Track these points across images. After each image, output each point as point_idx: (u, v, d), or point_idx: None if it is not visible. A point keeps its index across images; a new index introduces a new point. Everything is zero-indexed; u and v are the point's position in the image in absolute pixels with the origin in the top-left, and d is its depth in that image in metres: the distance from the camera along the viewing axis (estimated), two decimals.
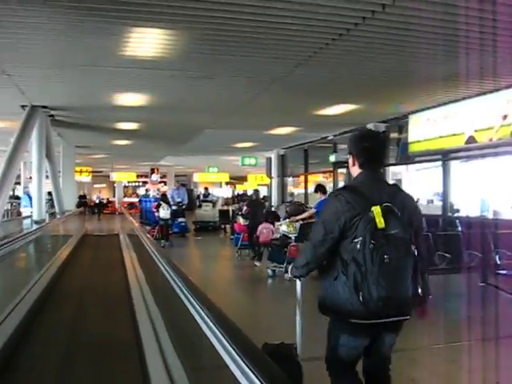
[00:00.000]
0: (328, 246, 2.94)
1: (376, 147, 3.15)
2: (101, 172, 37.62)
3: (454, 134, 11.28)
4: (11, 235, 11.50)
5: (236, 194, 50.07)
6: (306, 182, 20.94)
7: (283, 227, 10.87)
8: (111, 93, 10.57)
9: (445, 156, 12.46)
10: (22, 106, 11.69)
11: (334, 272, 2.93)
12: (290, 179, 23.82)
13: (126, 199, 42.67)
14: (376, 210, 2.80)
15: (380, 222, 2.79)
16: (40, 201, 12.63)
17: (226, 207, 23.74)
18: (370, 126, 14.67)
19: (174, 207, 17.50)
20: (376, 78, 9.48)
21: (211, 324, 2.47)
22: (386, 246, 2.78)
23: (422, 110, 12.38)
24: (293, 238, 10.26)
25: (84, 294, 7.99)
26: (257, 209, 13.21)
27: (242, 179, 49.48)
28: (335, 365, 3.12)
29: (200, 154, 25.87)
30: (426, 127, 12.29)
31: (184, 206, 19.20)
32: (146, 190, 41.94)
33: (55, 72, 8.88)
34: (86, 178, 32.52)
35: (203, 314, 2.69)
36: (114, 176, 37.59)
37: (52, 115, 13.16)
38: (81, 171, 31.25)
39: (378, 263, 2.76)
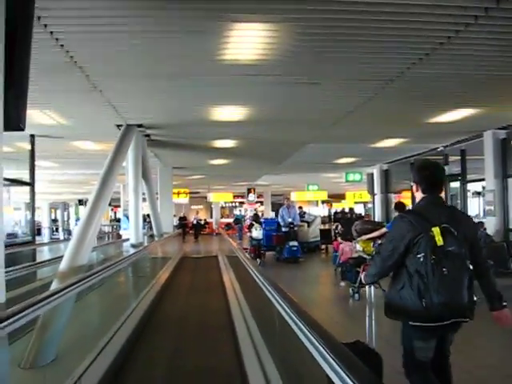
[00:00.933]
0: (394, 260, 3.53)
1: (435, 175, 3.72)
2: (198, 193, 37.48)
3: None
4: (111, 258, 11.20)
5: (334, 212, 48.91)
6: (412, 198, 19.43)
7: (358, 246, 10.51)
8: (207, 106, 9.84)
9: None
10: (118, 126, 11.25)
11: (400, 282, 3.50)
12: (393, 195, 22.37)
13: (223, 220, 42.40)
14: (436, 230, 3.37)
15: (439, 241, 3.35)
16: (137, 223, 12.11)
17: (326, 226, 22.82)
18: (489, 132, 13.20)
19: (284, 229, 17.58)
20: (502, 75, 8.16)
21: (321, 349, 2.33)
22: (445, 261, 3.33)
23: None
24: (368, 257, 9.33)
25: (184, 322, 7.42)
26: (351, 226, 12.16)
27: (340, 197, 48.20)
28: (413, 366, 3.57)
29: (298, 172, 24.93)
30: None
31: (296, 228, 17.71)
32: (240, 211, 41.74)
33: (147, 84, 8.25)
34: (183, 199, 32.40)
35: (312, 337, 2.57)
36: (211, 197, 37.30)
37: (148, 135, 12.70)
38: (178, 193, 31.20)
39: (438, 275, 3.32)
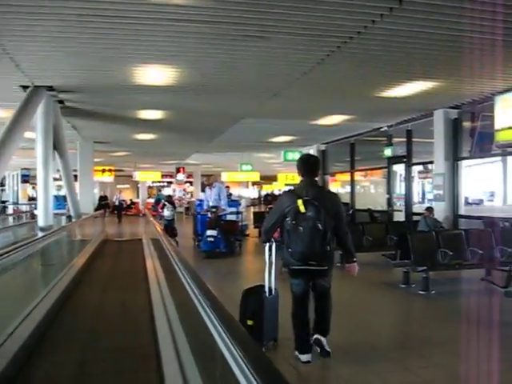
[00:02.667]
0: (274, 221, 5.25)
1: (310, 164, 5.30)
2: (122, 171, 35.25)
3: None
4: (20, 242, 9.58)
5: (265, 194, 48.04)
6: (352, 180, 18.50)
7: None
8: (129, 65, 8.22)
9: None
10: (24, 88, 9.50)
11: (284, 240, 5.16)
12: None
13: (151, 200, 40.50)
14: (299, 201, 4.92)
15: (301, 209, 4.90)
16: (46, 203, 10.40)
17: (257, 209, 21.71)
18: (440, 112, 12.27)
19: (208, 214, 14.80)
20: (453, 49, 7.30)
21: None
22: (302, 222, 4.89)
23: None
24: None
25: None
26: None
27: (271, 179, 47.34)
28: (293, 296, 5.23)
29: (231, 150, 23.55)
30: None
31: (221, 213, 14.85)
32: (159, 190, 39.74)
33: (53, 30, 6.58)
34: (108, 177, 30.31)
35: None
36: (138, 176, 35.24)
37: (61, 101, 10.98)
38: (103, 170, 29.20)
39: (296, 232, 4.93)
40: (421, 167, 17.28)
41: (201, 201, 19.68)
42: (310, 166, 5.26)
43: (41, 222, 10.27)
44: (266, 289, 5.52)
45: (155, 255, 10.62)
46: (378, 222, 14.91)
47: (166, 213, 16.97)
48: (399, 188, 16.34)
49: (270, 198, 35.62)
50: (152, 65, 8.24)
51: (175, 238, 15.92)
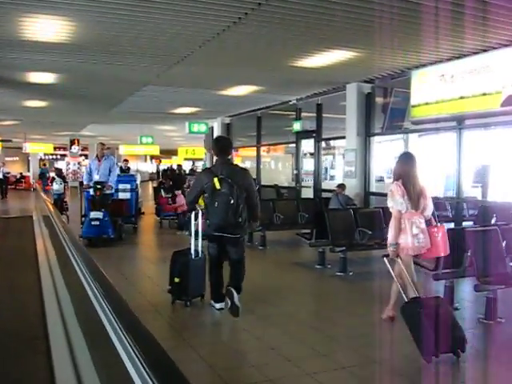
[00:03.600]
0: (195, 195, 6.15)
1: (223, 145, 6.27)
2: (10, 141, 32.60)
3: (485, 94, 8.61)
4: None
5: (163, 169, 46.73)
6: (258, 155, 17.93)
7: None
8: (14, 14, 6.95)
9: (460, 123, 9.78)
10: None
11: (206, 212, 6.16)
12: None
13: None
14: (215, 179, 5.72)
15: (217, 186, 5.71)
16: None
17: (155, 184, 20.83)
18: (352, 85, 11.90)
19: (90, 191, 11.44)
20: (367, 16, 6.84)
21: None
22: (218, 198, 5.72)
23: (433, 63, 9.66)
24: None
25: None
26: (180, 182, 15.62)
27: (171, 153, 46.14)
28: (209, 258, 6.24)
29: (130, 121, 22.16)
30: (439, 85, 9.55)
31: (109, 191, 11.40)
32: (44, 165, 37.34)
33: None
34: None
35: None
36: (28, 147, 32.75)
37: None
38: None
39: (213, 207, 5.77)
40: (323, 144, 16.96)
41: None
42: (222, 147, 6.23)
43: None
44: (192, 251, 6.44)
45: (46, 234, 9.61)
46: (288, 199, 14.44)
47: (55, 186, 16.65)
48: (304, 164, 15.94)
49: (168, 173, 34.61)
50: (42, 16, 7.06)
51: (66, 213, 15.41)
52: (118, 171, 13.36)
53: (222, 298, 6.14)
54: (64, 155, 39.51)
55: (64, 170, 29.12)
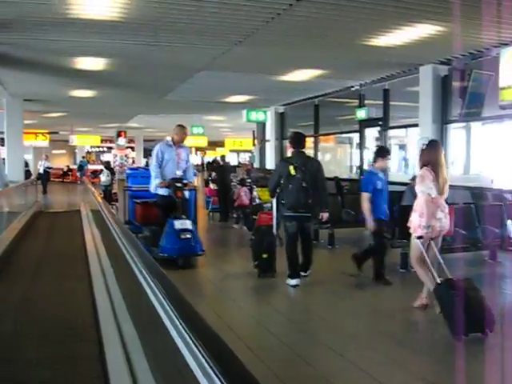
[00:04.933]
0: (275, 182, 7.08)
1: (299, 139, 7.24)
2: (57, 134, 32.25)
3: None
4: None
5: (207, 162, 45.99)
6: (315, 146, 16.88)
7: (255, 193, 12.39)
8: None
9: None
10: None
11: (281, 194, 7.07)
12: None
13: (90, 166, 37.85)
14: (291, 167, 6.73)
15: (292, 172, 6.71)
16: None
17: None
18: (427, 68, 10.75)
19: (162, 191, 8.24)
20: None
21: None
22: (292, 182, 6.71)
23: None
24: (267, 205, 10.15)
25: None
26: (225, 174, 14.35)
27: (217, 145, 45.35)
28: (288, 235, 7.01)
29: (178, 111, 21.41)
30: None
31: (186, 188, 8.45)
32: (83, 157, 36.82)
33: None
34: (42, 142, 27.38)
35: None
36: (74, 140, 32.33)
37: None
38: (36, 134, 26.43)
39: (288, 189, 6.76)
40: (376, 133, 15.77)
41: (134, 170, 13.41)
42: (298, 140, 7.25)
43: None
44: (274, 230, 8.08)
45: (96, 230, 8.86)
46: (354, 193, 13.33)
47: (103, 178, 17.70)
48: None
49: (215, 165, 33.86)
50: None
51: (116, 204, 14.96)
52: None
53: (298, 274, 6.93)
54: (110, 148, 39.24)
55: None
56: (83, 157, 37.35)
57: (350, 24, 7.84)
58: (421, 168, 5.80)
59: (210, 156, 51.78)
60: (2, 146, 17.66)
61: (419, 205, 5.69)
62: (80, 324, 4.62)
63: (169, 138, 9.12)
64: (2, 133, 16.03)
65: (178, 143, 8.53)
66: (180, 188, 8.11)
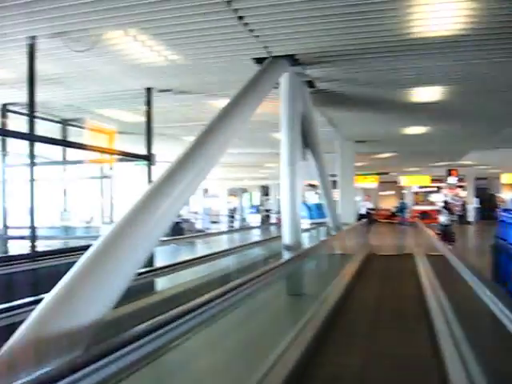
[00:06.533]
0: None
1: None
2: (386, 174, 31.98)
3: None
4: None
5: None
6: None
7: None
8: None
9: None
10: (257, 60, 7.22)
11: None
12: None
13: (417, 207, 36.81)
14: None
15: None
16: (293, 213, 7.83)
17: None
18: None
19: None
20: None
21: None
22: None
23: None
24: None
25: None
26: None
27: None
28: None
29: None
30: None
31: None
32: (401, 199, 35.21)
33: None
34: (371, 183, 27.79)
35: None
36: (403, 180, 31.59)
37: (310, 82, 8.57)
38: (365, 176, 26.77)
39: None
40: None
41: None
42: None
43: (286, 239, 7.80)
44: None
45: (436, 281, 7.73)
46: None
47: (442, 218, 17.38)
48: None
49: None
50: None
51: (453, 243, 15.34)
52: None
53: None
54: (439, 187, 37.60)
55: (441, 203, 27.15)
56: (401, 199, 36.74)
57: None
58: None
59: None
60: (334, 188, 17.89)
61: None
62: None
63: None
64: (335, 175, 16.06)
65: None
66: None
